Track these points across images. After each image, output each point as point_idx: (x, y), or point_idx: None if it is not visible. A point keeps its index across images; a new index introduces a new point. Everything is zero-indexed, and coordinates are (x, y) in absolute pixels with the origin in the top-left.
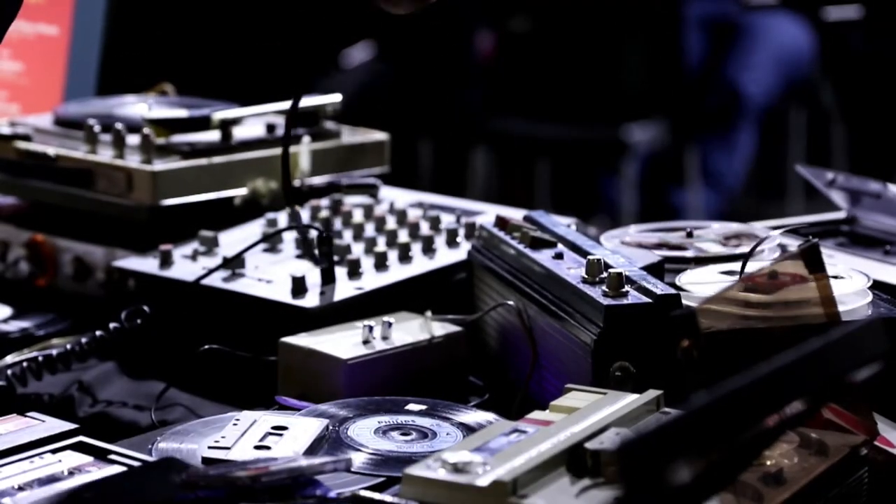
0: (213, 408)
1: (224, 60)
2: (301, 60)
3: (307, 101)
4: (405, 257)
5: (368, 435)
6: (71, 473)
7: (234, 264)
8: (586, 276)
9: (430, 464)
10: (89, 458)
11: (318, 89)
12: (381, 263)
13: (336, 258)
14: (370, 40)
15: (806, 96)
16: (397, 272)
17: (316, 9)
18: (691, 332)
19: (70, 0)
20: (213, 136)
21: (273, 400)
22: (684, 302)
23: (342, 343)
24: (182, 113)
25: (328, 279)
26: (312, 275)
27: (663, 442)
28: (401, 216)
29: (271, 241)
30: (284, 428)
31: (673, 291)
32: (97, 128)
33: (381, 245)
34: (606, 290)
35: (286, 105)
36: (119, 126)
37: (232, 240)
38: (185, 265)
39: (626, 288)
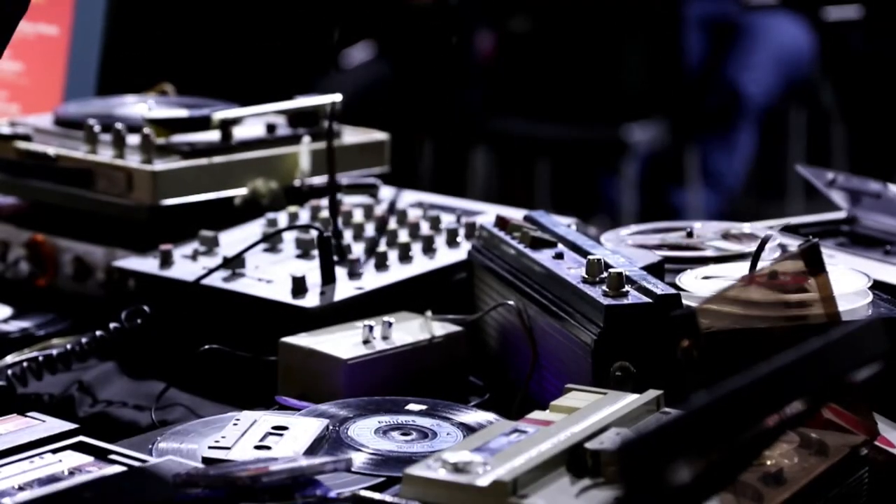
0: (213, 408)
1: (224, 60)
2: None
3: (307, 101)
4: (405, 257)
5: (368, 435)
6: (71, 473)
7: (235, 264)
8: (586, 276)
9: (430, 464)
10: (89, 458)
11: (318, 89)
12: (381, 263)
13: (336, 258)
14: (370, 40)
15: (806, 96)
16: (397, 272)
17: (316, 9)
18: (691, 332)
19: (70, 0)
20: (213, 136)
21: (273, 400)
22: (684, 302)
23: (342, 343)
24: (182, 113)
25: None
26: (312, 275)
27: (663, 442)
28: (401, 216)
29: (271, 241)
30: (284, 428)
31: (673, 291)
32: (97, 128)
33: (381, 245)
34: (606, 290)
35: (286, 105)
36: (119, 126)
37: (232, 240)
38: (185, 265)
39: (627, 288)
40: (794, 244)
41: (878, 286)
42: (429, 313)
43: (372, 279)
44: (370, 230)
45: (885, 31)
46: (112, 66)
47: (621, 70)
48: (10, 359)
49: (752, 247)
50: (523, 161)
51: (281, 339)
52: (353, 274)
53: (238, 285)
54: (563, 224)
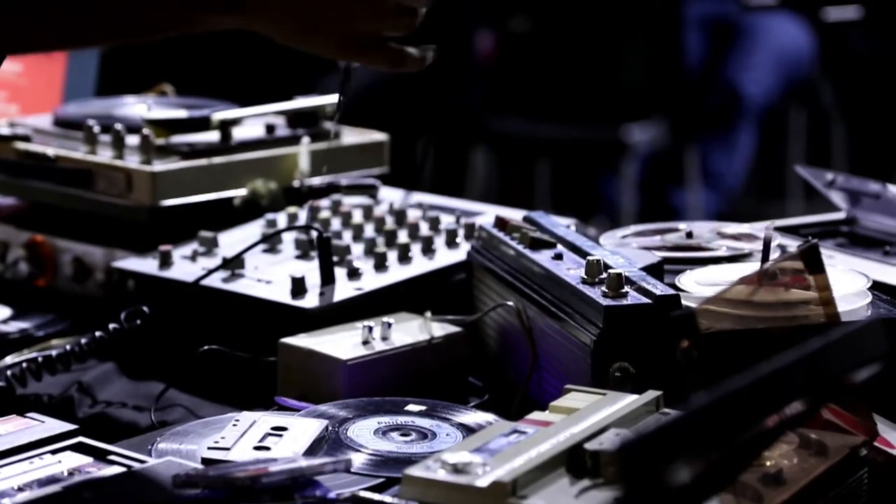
0: (212, 408)
1: (224, 60)
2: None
3: (307, 102)
4: (405, 258)
5: (368, 435)
6: (71, 474)
7: (234, 265)
8: (586, 277)
9: (429, 464)
10: (89, 459)
11: (318, 89)
12: (380, 264)
13: (335, 258)
14: None
15: (806, 96)
16: (397, 272)
17: None
18: (691, 332)
19: None
20: (213, 136)
21: (273, 400)
22: (684, 302)
23: (342, 344)
24: (182, 113)
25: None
26: (312, 275)
27: (663, 442)
28: (400, 216)
29: (271, 241)
30: (284, 428)
31: (672, 292)
32: (97, 128)
33: (380, 245)
34: (606, 290)
35: (285, 106)
36: (119, 126)
37: (231, 240)
38: (185, 266)
39: (626, 288)
40: (793, 244)
41: (877, 286)
42: (428, 314)
43: (371, 280)
44: (370, 230)
45: (885, 31)
46: (111, 67)
47: (621, 70)
48: (9, 359)
49: (747, 246)
50: (523, 161)
51: (280, 339)
52: (353, 274)
53: (237, 286)
54: (563, 225)
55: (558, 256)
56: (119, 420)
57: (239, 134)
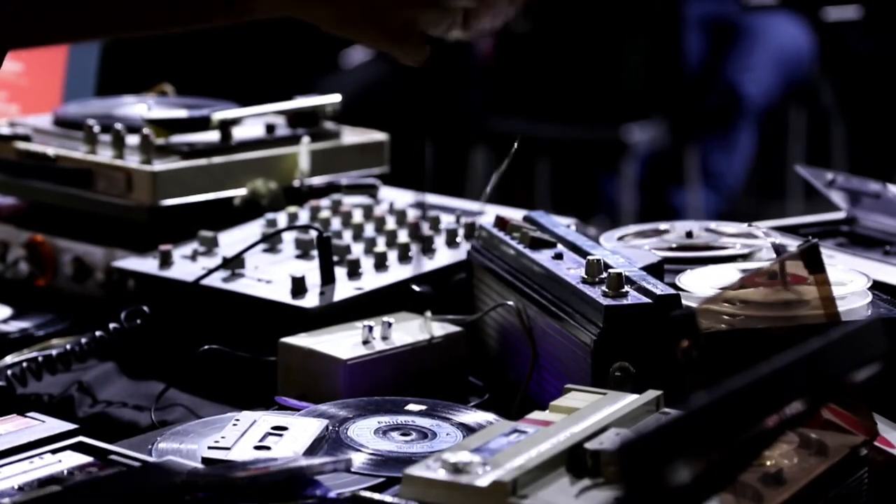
0: (213, 408)
1: (224, 60)
2: (301, 60)
3: (307, 102)
4: (405, 257)
5: (368, 435)
6: (71, 473)
7: (234, 264)
8: (586, 277)
9: (429, 464)
10: (89, 459)
11: (318, 89)
12: (380, 263)
13: (336, 258)
14: None
15: (806, 96)
16: (397, 272)
17: None
18: (691, 332)
19: None
20: (213, 136)
21: (273, 400)
22: (684, 302)
23: (342, 343)
24: (182, 113)
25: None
26: (312, 275)
27: (663, 442)
28: (400, 216)
29: (271, 241)
30: (284, 428)
31: (673, 292)
32: (97, 128)
33: (380, 245)
34: (606, 290)
35: (286, 105)
36: (119, 126)
37: (232, 240)
38: (185, 265)
39: (626, 288)
40: (793, 244)
41: (877, 286)
42: (428, 313)
43: (371, 279)
44: (370, 230)
45: (885, 31)
46: (112, 67)
47: (621, 70)
48: (9, 359)
49: (737, 246)
50: (523, 161)
51: (280, 339)
52: (353, 274)
53: (237, 285)
54: (563, 224)
55: (558, 256)
56: (119, 420)
57: (239, 134)
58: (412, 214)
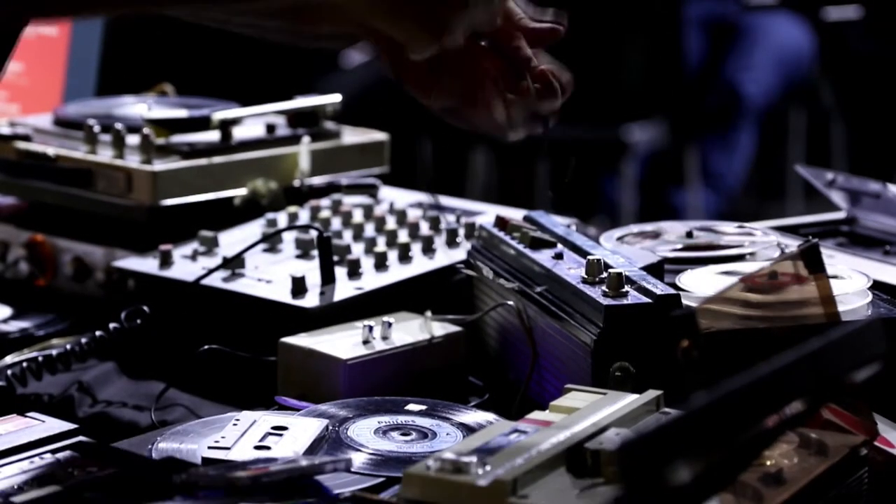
0: (213, 408)
1: (224, 60)
2: (301, 60)
3: (307, 101)
4: (405, 257)
5: (368, 435)
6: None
7: (234, 264)
8: (586, 277)
9: (430, 464)
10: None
11: (318, 89)
12: (381, 263)
13: (336, 258)
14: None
15: (806, 96)
16: (397, 272)
17: None
18: (691, 332)
19: None
20: (213, 136)
21: (273, 400)
22: (684, 302)
23: (342, 343)
24: (182, 113)
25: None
26: (312, 275)
27: (663, 442)
28: (401, 216)
29: (271, 241)
30: (284, 428)
31: (673, 291)
32: (97, 128)
33: (381, 245)
34: (606, 290)
35: (286, 105)
36: (119, 126)
37: (232, 240)
38: (185, 265)
39: (626, 288)
40: (793, 244)
41: (877, 286)
42: (428, 313)
43: (372, 279)
44: (370, 230)
45: (885, 31)
46: (112, 66)
47: (621, 70)
48: (9, 359)
49: (747, 240)
50: (523, 161)
51: (281, 339)
52: (353, 274)
53: (238, 285)
54: (563, 224)
55: (558, 256)
56: (119, 420)
57: (239, 134)
58: (412, 214)
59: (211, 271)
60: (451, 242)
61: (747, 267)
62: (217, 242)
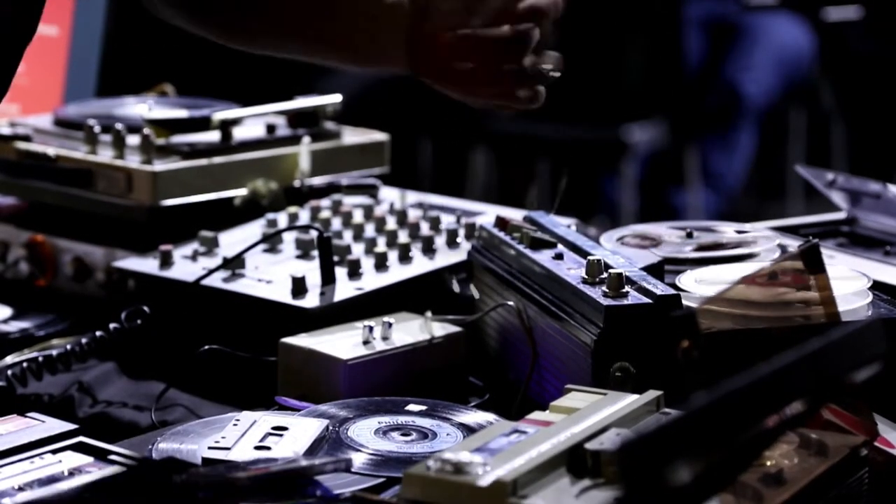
0: (213, 408)
1: (224, 60)
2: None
3: (307, 102)
4: (405, 257)
5: (368, 435)
6: (71, 474)
7: (234, 265)
8: (586, 277)
9: (430, 464)
10: (89, 459)
11: (318, 89)
12: (381, 264)
13: (336, 258)
14: None
15: (806, 96)
16: (397, 272)
17: None
18: (691, 332)
19: (70, 0)
20: (213, 136)
21: (273, 400)
22: (684, 302)
23: (342, 343)
24: (182, 113)
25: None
26: (312, 275)
27: (663, 442)
28: (401, 216)
29: (271, 241)
30: (284, 428)
31: (673, 292)
32: (97, 128)
33: (381, 245)
34: (606, 290)
35: (286, 105)
36: (119, 126)
37: (232, 240)
38: (185, 265)
39: (626, 288)
40: (793, 244)
41: (878, 286)
42: (429, 314)
43: (372, 279)
44: (370, 230)
45: (885, 31)
46: (112, 67)
47: (621, 70)
48: (9, 359)
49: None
50: (523, 161)
51: (281, 339)
52: (353, 274)
53: (238, 286)
54: (563, 224)
55: (559, 256)
56: (119, 420)
57: (239, 134)
58: (413, 214)
59: (211, 271)
60: (451, 243)
61: (747, 267)
62: (217, 243)
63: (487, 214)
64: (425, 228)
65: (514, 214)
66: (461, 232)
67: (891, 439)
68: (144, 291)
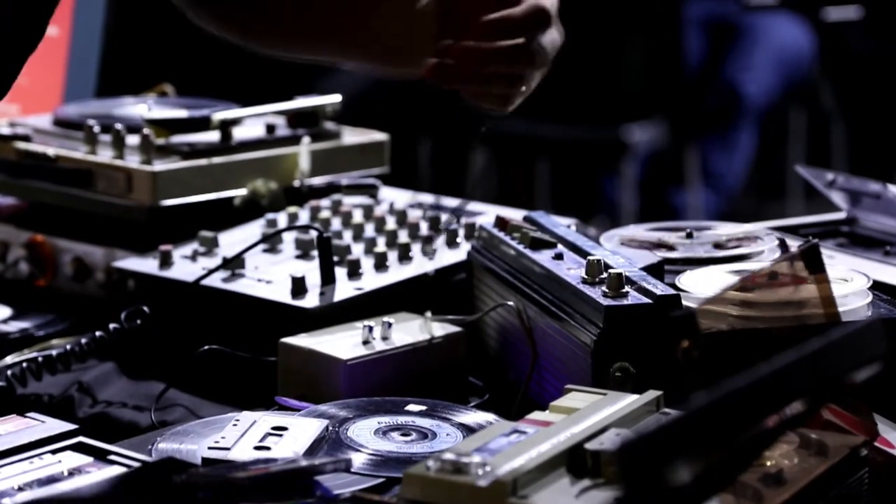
0: (213, 408)
1: (224, 60)
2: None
3: (307, 102)
4: (405, 257)
5: (368, 435)
6: (71, 474)
7: (234, 265)
8: (586, 277)
9: (430, 464)
10: (89, 459)
11: (318, 89)
12: (380, 264)
13: (336, 258)
14: None
15: (806, 96)
16: (397, 272)
17: None
18: (691, 332)
19: (70, 0)
20: (213, 136)
21: (273, 400)
22: (684, 302)
23: (342, 343)
24: (182, 113)
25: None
26: (312, 275)
27: (663, 442)
28: (401, 216)
29: (271, 241)
30: (284, 428)
31: (673, 292)
32: (97, 128)
33: (381, 245)
34: (606, 290)
35: (286, 105)
36: (119, 126)
37: (232, 240)
38: (185, 265)
39: (626, 288)
40: (794, 244)
41: (878, 286)
42: (428, 314)
43: (372, 279)
44: (370, 230)
45: (885, 31)
46: (112, 67)
47: (621, 70)
48: (9, 359)
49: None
50: (523, 161)
51: (281, 339)
52: (353, 274)
53: (238, 286)
54: (563, 224)
55: (559, 256)
56: (119, 420)
57: (239, 134)
58: (412, 214)
59: (211, 271)
60: (451, 242)
61: (747, 267)
62: (217, 243)
63: (487, 214)
64: (425, 228)
65: (514, 214)
66: (461, 232)
67: (891, 439)
68: (144, 291)
